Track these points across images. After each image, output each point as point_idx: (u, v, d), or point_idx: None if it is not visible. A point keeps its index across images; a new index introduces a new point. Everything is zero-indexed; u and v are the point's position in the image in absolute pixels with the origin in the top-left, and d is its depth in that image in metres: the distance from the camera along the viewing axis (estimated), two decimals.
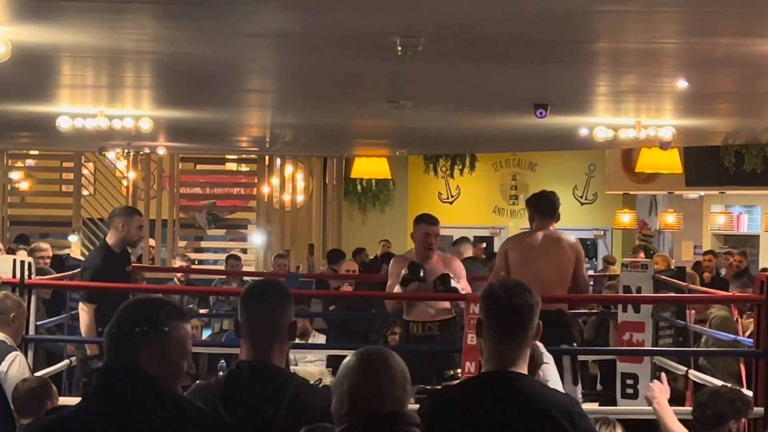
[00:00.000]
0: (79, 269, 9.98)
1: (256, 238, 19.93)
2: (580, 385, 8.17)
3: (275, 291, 4.12)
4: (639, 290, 9.83)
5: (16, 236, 16.71)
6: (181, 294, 12.58)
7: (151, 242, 19.42)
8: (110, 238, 8.84)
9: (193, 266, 14.92)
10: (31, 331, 7.82)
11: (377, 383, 3.31)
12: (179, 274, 13.25)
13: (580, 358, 10.32)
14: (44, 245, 11.49)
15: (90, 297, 8.46)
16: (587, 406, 8.41)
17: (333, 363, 10.88)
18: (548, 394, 3.51)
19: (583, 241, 22.75)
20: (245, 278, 12.82)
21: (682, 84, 9.16)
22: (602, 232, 23.03)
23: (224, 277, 13.47)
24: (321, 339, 11.41)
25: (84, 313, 8.48)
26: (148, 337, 3.36)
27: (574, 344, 8.33)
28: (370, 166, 20.70)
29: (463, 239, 14.99)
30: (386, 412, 3.32)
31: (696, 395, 5.57)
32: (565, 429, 3.43)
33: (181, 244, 20.38)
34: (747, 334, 8.83)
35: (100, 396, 3.35)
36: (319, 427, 3.52)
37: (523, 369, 3.51)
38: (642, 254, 15.02)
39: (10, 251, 12.47)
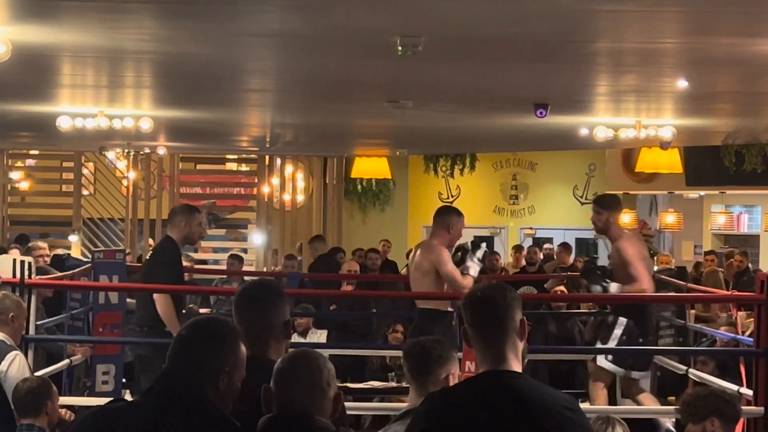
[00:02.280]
0: (79, 268, 9.98)
1: (256, 238, 19.93)
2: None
3: (267, 291, 4.14)
4: None
5: (16, 236, 16.70)
6: (182, 294, 12.53)
7: (150, 242, 19.44)
8: (174, 235, 8.83)
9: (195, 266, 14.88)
10: (31, 331, 7.83)
11: (291, 384, 3.50)
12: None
13: (580, 357, 10.37)
14: (42, 244, 11.48)
15: (167, 288, 8.55)
16: (586, 406, 8.45)
17: (333, 362, 10.85)
18: (545, 393, 3.50)
19: (583, 240, 22.91)
20: (246, 278, 12.82)
21: (682, 84, 9.16)
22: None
23: (225, 276, 13.46)
24: (322, 334, 11.40)
25: (165, 306, 8.49)
26: (227, 353, 3.42)
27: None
28: (370, 166, 20.71)
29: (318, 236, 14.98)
30: (294, 413, 3.45)
31: (694, 390, 5.57)
32: (562, 427, 3.43)
33: None
34: (747, 333, 8.83)
35: (156, 396, 3.38)
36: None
37: (517, 367, 3.51)
38: None
39: (2, 251, 12.45)
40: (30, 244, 11.91)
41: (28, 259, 8.10)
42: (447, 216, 8.91)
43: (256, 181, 20.37)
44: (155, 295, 8.56)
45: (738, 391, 7.41)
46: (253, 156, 20.61)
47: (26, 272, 7.76)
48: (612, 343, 8.84)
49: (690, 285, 10.27)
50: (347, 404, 7.05)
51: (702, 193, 20.24)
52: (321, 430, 3.44)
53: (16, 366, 6.63)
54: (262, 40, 7.53)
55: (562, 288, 12.16)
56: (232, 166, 22.28)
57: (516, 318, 3.54)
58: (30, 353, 7.66)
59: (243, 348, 3.49)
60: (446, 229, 8.79)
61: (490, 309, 3.54)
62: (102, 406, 3.56)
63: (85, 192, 20.57)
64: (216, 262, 19.64)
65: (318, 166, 21.97)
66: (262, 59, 8.69)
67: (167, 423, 3.32)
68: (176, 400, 3.34)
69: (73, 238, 19.34)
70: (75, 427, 3.54)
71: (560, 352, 10.35)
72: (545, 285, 11.32)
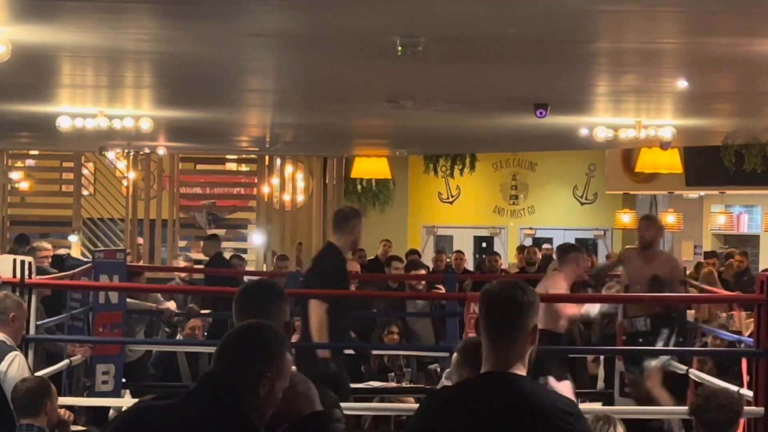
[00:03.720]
0: (79, 268, 9.98)
1: (256, 238, 19.92)
2: None
3: (268, 291, 4.10)
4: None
5: (16, 236, 16.64)
6: (183, 293, 12.55)
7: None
8: (339, 241, 8.38)
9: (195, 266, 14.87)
10: (32, 331, 7.83)
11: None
12: (183, 274, 13.21)
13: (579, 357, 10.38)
14: (46, 245, 11.47)
15: (325, 296, 8.11)
16: (588, 406, 8.46)
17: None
18: (545, 396, 3.49)
19: (583, 240, 22.91)
20: (246, 278, 12.82)
21: (682, 84, 9.16)
22: (602, 232, 23.03)
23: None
24: None
25: (317, 312, 8.04)
26: (271, 360, 3.35)
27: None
28: (370, 166, 20.71)
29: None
30: (303, 415, 3.44)
31: (703, 397, 5.54)
32: (561, 430, 3.41)
33: (181, 243, 20.38)
34: (747, 333, 8.84)
35: (198, 398, 3.35)
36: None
37: (521, 371, 3.49)
38: None
39: (12, 251, 12.45)
40: (34, 244, 11.88)
41: (28, 259, 8.11)
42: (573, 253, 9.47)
43: (256, 181, 20.36)
44: (312, 303, 8.08)
45: (738, 391, 7.41)
46: (253, 156, 20.60)
47: (26, 272, 7.77)
48: None
49: (694, 284, 10.29)
50: (347, 405, 7.04)
51: (702, 193, 20.24)
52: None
53: (16, 366, 6.63)
54: (262, 40, 7.53)
55: None
56: (232, 166, 22.27)
57: (529, 324, 3.50)
58: (30, 353, 7.66)
59: (289, 357, 3.40)
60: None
61: (506, 311, 3.50)
62: (143, 402, 3.55)
63: (85, 192, 20.56)
64: None
65: (318, 166, 21.97)
66: (262, 59, 8.69)
67: (203, 427, 3.29)
68: (215, 405, 3.30)
69: (73, 238, 19.33)
70: (116, 422, 3.53)
71: (559, 351, 10.34)
72: None
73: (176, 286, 12.63)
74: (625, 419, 5.13)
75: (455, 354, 4.73)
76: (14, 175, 20.50)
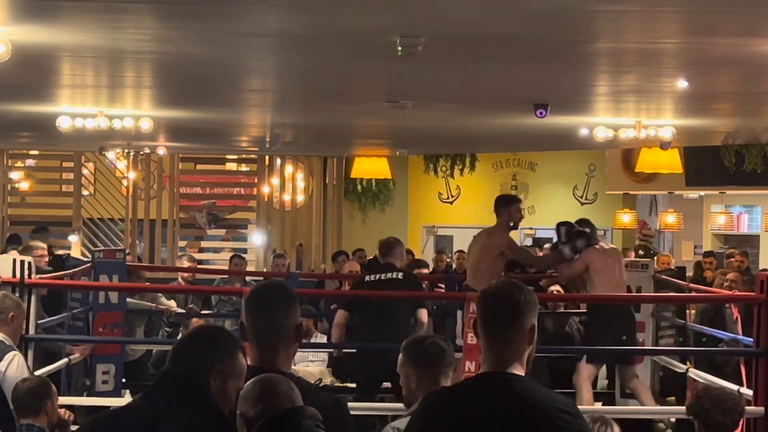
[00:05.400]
0: (79, 268, 9.97)
1: (256, 238, 19.92)
2: None
3: (280, 293, 4.07)
4: (639, 290, 9.85)
5: (9, 236, 16.51)
6: (185, 294, 12.53)
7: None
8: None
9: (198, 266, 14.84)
10: (31, 331, 7.83)
11: (259, 386, 3.53)
12: (186, 274, 13.19)
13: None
14: (41, 244, 11.46)
15: None
16: (587, 407, 8.45)
17: (334, 362, 10.87)
18: (542, 395, 3.48)
19: None
20: (247, 278, 12.80)
21: (682, 84, 9.16)
22: (602, 232, 22.93)
23: (226, 276, 13.44)
24: (322, 339, 11.40)
25: None
26: (220, 354, 3.49)
27: None
28: (370, 166, 20.71)
29: None
30: (279, 410, 3.48)
31: (707, 399, 5.51)
32: (560, 430, 3.41)
33: (181, 244, 20.37)
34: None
35: (157, 396, 3.44)
36: None
37: (519, 372, 3.49)
38: (641, 254, 15.03)
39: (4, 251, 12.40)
40: (30, 243, 11.86)
41: (28, 258, 8.10)
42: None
43: (256, 181, 20.35)
44: None
45: (738, 391, 7.42)
46: (253, 156, 20.60)
47: (26, 272, 7.77)
48: None
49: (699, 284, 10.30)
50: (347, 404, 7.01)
51: (702, 193, 20.23)
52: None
53: (15, 366, 6.63)
54: (262, 40, 7.53)
55: (558, 288, 12.16)
56: (232, 166, 22.26)
57: (527, 323, 3.49)
58: (30, 353, 7.66)
59: (241, 358, 3.55)
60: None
61: (503, 310, 3.50)
62: (103, 413, 3.59)
63: (85, 192, 20.55)
64: (208, 262, 19.58)
65: (318, 166, 21.97)
66: (262, 59, 8.69)
67: (166, 421, 3.32)
68: (176, 397, 3.37)
69: (73, 238, 19.33)
70: None
71: (561, 352, 10.35)
72: (540, 283, 11.32)
73: (176, 286, 12.60)
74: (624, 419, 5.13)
75: (401, 353, 4.81)
76: (14, 175, 20.49)
